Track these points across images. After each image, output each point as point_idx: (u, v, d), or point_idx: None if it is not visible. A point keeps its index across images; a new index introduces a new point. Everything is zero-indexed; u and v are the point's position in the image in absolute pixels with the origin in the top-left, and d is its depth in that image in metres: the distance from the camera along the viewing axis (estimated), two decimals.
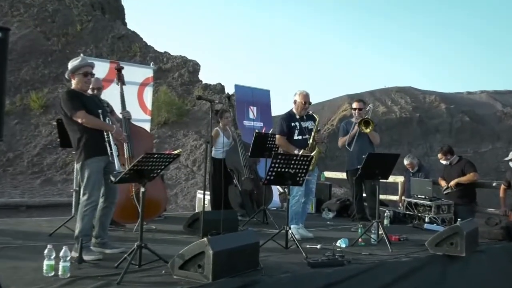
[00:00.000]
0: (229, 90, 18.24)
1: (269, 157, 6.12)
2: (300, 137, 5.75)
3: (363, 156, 5.55)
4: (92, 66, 4.55)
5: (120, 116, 5.28)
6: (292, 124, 5.81)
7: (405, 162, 8.41)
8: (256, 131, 7.42)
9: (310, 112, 5.90)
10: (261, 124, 9.27)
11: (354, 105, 7.10)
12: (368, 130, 6.73)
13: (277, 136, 5.97)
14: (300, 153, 5.33)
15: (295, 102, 5.89)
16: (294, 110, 5.89)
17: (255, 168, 7.39)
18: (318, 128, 5.81)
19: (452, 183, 7.52)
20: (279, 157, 4.75)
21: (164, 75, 18.57)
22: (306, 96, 5.84)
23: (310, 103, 5.86)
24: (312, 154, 5.31)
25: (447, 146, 8.11)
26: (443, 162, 7.86)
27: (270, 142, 6.66)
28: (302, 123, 5.83)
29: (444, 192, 7.62)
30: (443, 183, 7.66)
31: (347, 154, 7.05)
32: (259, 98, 9.51)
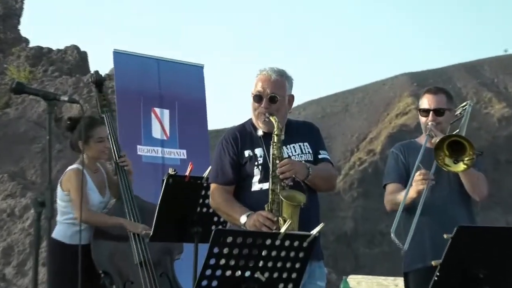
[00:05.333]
0: (104, 64, 18.37)
1: (203, 241, 6.22)
2: (265, 186, 5.88)
3: (446, 236, 5.59)
4: None
5: None
6: (246, 153, 6.01)
7: None
8: (171, 170, 7.47)
9: (297, 120, 6.24)
10: (181, 153, 9.44)
11: (426, 101, 7.13)
12: (460, 168, 6.75)
13: (211, 185, 6.18)
14: (283, 228, 5.36)
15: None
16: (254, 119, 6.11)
17: (170, 268, 7.56)
18: (279, 150, 5.82)
19: None
20: (231, 239, 4.77)
21: None
22: (264, 80, 6.00)
23: (275, 97, 5.93)
24: (286, 223, 5.26)
25: None
26: None
27: (205, 201, 6.87)
28: (273, 148, 5.90)
29: None
30: None
31: (405, 231, 7.12)
32: (178, 86, 9.75)
